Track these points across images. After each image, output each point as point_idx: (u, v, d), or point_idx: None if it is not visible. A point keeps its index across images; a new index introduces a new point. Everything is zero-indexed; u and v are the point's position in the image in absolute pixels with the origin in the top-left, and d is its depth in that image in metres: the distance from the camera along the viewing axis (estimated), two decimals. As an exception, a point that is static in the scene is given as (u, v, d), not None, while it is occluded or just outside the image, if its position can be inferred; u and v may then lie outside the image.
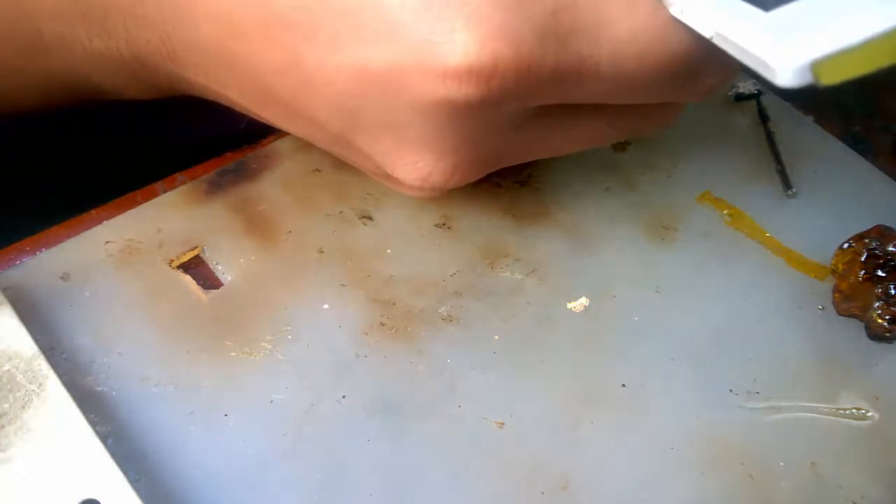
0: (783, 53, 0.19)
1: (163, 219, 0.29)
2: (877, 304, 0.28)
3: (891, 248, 0.28)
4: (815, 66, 0.18)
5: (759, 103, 0.36)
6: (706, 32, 0.21)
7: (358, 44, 0.22)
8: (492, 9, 0.21)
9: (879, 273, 0.28)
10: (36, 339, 0.24)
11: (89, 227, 0.28)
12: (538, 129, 0.26)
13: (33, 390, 0.23)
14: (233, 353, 0.26)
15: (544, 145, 0.27)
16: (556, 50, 0.21)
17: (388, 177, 0.26)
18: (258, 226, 0.29)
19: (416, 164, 0.24)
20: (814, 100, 0.37)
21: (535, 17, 0.21)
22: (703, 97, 0.25)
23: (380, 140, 0.24)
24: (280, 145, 0.31)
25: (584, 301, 0.29)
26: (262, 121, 0.27)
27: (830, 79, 0.18)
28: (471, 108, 0.22)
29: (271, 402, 0.25)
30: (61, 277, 0.27)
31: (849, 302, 0.29)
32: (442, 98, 0.22)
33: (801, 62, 0.18)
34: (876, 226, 0.29)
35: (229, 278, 0.28)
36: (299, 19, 0.22)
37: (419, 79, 0.21)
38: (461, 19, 0.21)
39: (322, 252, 0.29)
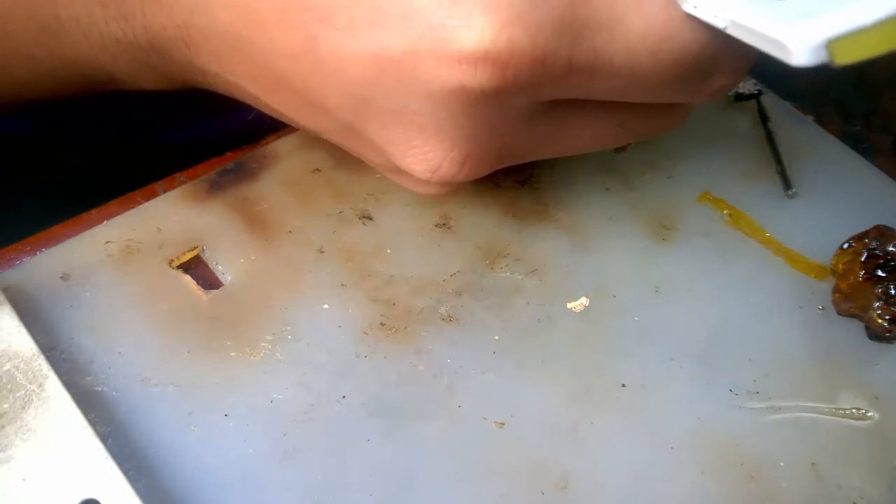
0: (798, 33, 0.19)
1: (163, 219, 0.29)
2: (877, 304, 0.28)
3: (891, 248, 0.28)
4: (831, 45, 0.19)
5: (759, 103, 0.36)
6: (720, 23, 0.21)
7: (374, 29, 0.22)
8: None
9: (879, 273, 0.28)
10: (36, 339, 0.24)
11: (89, 227, 0.28)
12: (549, 124, 0.26)
13: (33, 390, 0.23)
14: (233, 353, 0.26)
15: (554, 143, 0.27)
16: (571, 42, 0.22)
17: (397, 170, 0.26)
18: (258, 226, 0.29)
19: (426, 154, 0.24)
20: (814, 100, 0.37)
21: (553, 8, 0.21)
22: (713, 97, 0.25)
23: (391, 129, 0.24)
24: (280, 145, 0.31)
25: (584, 301, 0.29)
26: (271, 112, 0.27)
27: (845, 58, 0.19)
28: (485, 96, 0.22)
29: (271, 402, 0.25)
30: (61, 277, 0.27)
31: (849, 302, 0.29)
32: (456, 84, 0.22)
33: (816, 41, 0.19)
34: (876, 226, 0.29)
35: (229, 278, 0.28)
36: (316, 3, 0.22)
37: (434, 64, 0.21)
38: (479, 5, 0.21)
39: (322, 252, 0.29)
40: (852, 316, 0.29)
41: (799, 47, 0.19)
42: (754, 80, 0.36)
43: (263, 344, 0.26)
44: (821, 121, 0.36)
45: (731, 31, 0.21)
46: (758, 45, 0.20)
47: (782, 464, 0.26)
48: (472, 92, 0.22)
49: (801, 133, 0.35)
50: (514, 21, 0.21)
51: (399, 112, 0.23)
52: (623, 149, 0.34)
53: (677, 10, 0.22)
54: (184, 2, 0.24)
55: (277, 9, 0.23)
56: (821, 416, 0.27)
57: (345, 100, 0.24)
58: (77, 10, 0.26)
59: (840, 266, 0.29)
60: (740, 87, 0.36)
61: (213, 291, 0.27)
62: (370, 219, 0.30)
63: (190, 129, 0.38)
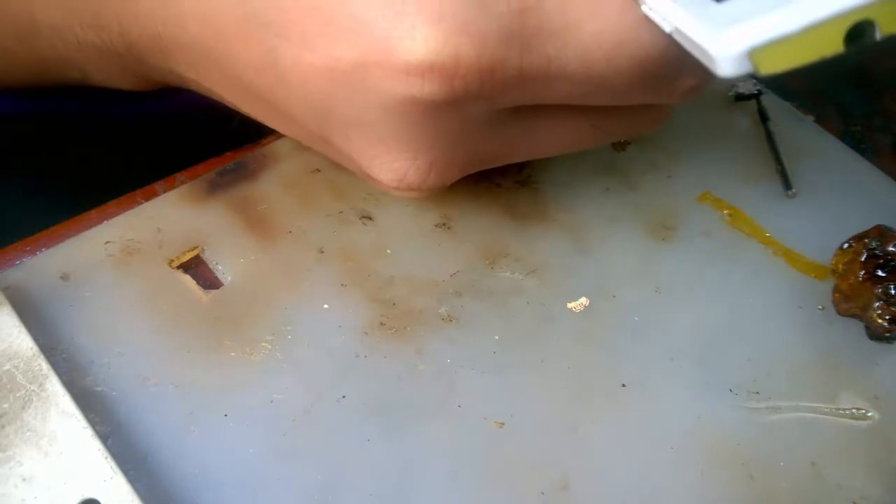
0: (721, 42, 0.19)
1: (163, 219, 0.29)
2: (877, 304, 0.28)
3: (891, 248, 0.28)
4: (753, 54, 0.18)
5: (759, 103, 0.36)
6: (667, 28, 0.21)
7: (326, 41, 0.22)
8: (454, 6, 0.20)
9: (879, 273, 0.28)
10: (36, 339, 0.24)
11: (89, 227, 0.28)
12: (516, 129, 0.25)
13: (33, 390, 0.23)
14: (233, 353, 0.26)
15: (526, 146, 0.26)
16: (521, 50, 0.21)
17: (370, 177, 0.26)
18: (258, 226, 0.29)
19: (390, 163, 0.24)
20: (814, 100, 0.37)
21: (500, 16, 0.21)
22: (684, 98, 0.25)
23: (354, 139, 0.24)
24: (280, 145, 0.31)
25: (584, 301, 0.29)
26: (253, 118, 0.28)
27: (770, 67, 0.18)
28: (437, 106, 0.22)
29: (271, 402, 0.25)
30: (61, 277, 0.27)
31: (849, 302, 0.29)
32: (407, 95, 0.22)
33: (737, 50, 0.18)
34: (876, 226, 0.29)
35: (229, 278, 0.28)
36: (273, 18, 0.22)
37: (382, 76, 0.21)
38: (422, 16, 0.21)
39: (322, 252, 0.29)
40: (852, 316, 0.29)
41: (721, 56, 0.19)
42: (754, 80, 0.36)
43: (263, 344, 0.26)
44: (821, 121, 0.36)
45: (676, 37, 0.21)
46: (695, 53, 0.20)
47: (782, 464, 0.26)
48: (423, 102, 0.22)
49: (801, 133, 0.35)
50: (458, 31, 0.20)
51: (359, 123, 0.23)
52: (623, 149, 0.34)
53: (634, 15, 0.21)
54: (157, 14, 0.25)
55: (239, 24, 0.23)
56: (821, 416, 0.27)
57: (308, 111, 0.24)
58: (53, 15, 0.26)
59: (840, 266, 0.29)
60: (740, 87, 0.36)
61: (213, 291, 0.27)
62: (370, 219, 0.30)
63: (189, 130, 0.38)
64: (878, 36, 0.18)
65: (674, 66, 0.23)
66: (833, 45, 0.18)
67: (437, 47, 0.21)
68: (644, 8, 0.21)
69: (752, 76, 0.18)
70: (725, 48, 0.18)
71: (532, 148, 0.27)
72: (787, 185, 0.33)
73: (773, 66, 0.18)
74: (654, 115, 0.27)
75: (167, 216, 0.29)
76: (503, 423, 0.26)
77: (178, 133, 0.32)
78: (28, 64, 0.29)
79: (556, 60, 0.22)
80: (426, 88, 0.21)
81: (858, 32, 0.18)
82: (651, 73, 0.23)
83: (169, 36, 0.25)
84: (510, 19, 0.21)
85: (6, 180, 0.35)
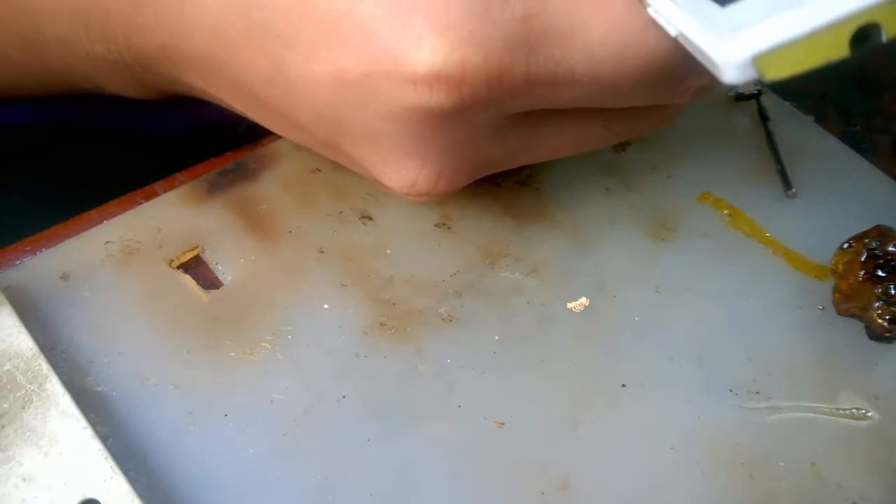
0: (725, 49, 0.18)
1: (163, 219, 0.29)
2: (877, 304, 0.28)
3: (891, 248, 0.28)
4: (758, 60, 0.18)
5: (759, 103, 0.36)
6: (672, 31, 0.21)
7: (333, 52, 0.22)
8: (459, 16, 0.21)
9: (879, 273, 0.28)
10: (36, 339, 0.24)
11: (89, 227, 0.28)
12: (525, 134, 0.25)
13: (33, 390, 0.23)
14: (233, 353, 0.26)
15: (536, 150, 0.26)
16: (527, 56, 0.21)
17: (380, 182, 0.26)
18: (258, 226, 0.29)
19: (399, 171, 0.24)
20: (814, 100, 0.37)
21: (505, 23, 0.21)
22: (693, 98, 0.25)
23: (363, 147, 0.24)
24: (280, 145, 0.31)
25: (584, 301, 0.29)
26: (261, 125, 0.28)
27: (775, 74, 0.18)
28: (445, 115, 0.22)
29: (271, 402, 0.25)
30: (61, 277, 0.27)
31: (849, 302, 0.29)
32: (415, 105, 0.22)
33: (742, 57, 0.18)
34: (876, 226, 0.29)
35: (229, 278, 0.28)
36: (279, 29, 0.22)
37: (390, 86, 0.22)
38: (428, 26, 0.21)
39: (322, 252, 0.29)
40: (852, 316, 0.29)
41: (726, 63, 0.18)
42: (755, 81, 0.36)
43: (263, 344, 0.26)
44: (821, 121, 0.36)
45: (681, 41, 0.20)
46: (699, 58, 0.20)
47: (782, 464, 0.26)
48: (432, 111, 0.22)
49: (801, 133, 0.35)
50: (464, 40, 0.21)
51: (367, 132, 0.23)
52: (623, 149, 0.34)
53: (640, 17, 0.21)
54: (162, 25, 0.25)
55: (245, 35, 0.23)
56: (821, 416, 0.27)
57: (317, 120, 0.24)
58: (60, 28, 0.26)
59: (840, 266, 0.29)
60: (740, 87, 0.36)
61: (213, 291, 0.27)
62: (370, 219, 0.30)
63: (190, 130, 0.38)
64: (885, 38, 0.18)
65: (681, 66, 0.23)
66: (838, 49, 0.18)
67: (443, 57, 0.21)
68: (649, 10, 0.21)
69: (757, 81, 0.18)
70: (730, 55, 0.18)
71: (541, 151, 0.27)
72: (787, 185, 0.33)
73: (779, 71, 0.18)
74: (662, 114, 0.27)
75: (167, 216, 0.29)
76: (503, 423, 0.26)
77: (185, 142, 0.32)
78: (39, 75, 0.29)
79: (563, 64, 0.22)
80: (434, 98, 0.21)
81: (864, 35, 0.18)
82: (658, 74, 0.23)
83: (175, 47, 0.25)
84: (515, 26, 0.21)
85: (9, 183, 0.35)
